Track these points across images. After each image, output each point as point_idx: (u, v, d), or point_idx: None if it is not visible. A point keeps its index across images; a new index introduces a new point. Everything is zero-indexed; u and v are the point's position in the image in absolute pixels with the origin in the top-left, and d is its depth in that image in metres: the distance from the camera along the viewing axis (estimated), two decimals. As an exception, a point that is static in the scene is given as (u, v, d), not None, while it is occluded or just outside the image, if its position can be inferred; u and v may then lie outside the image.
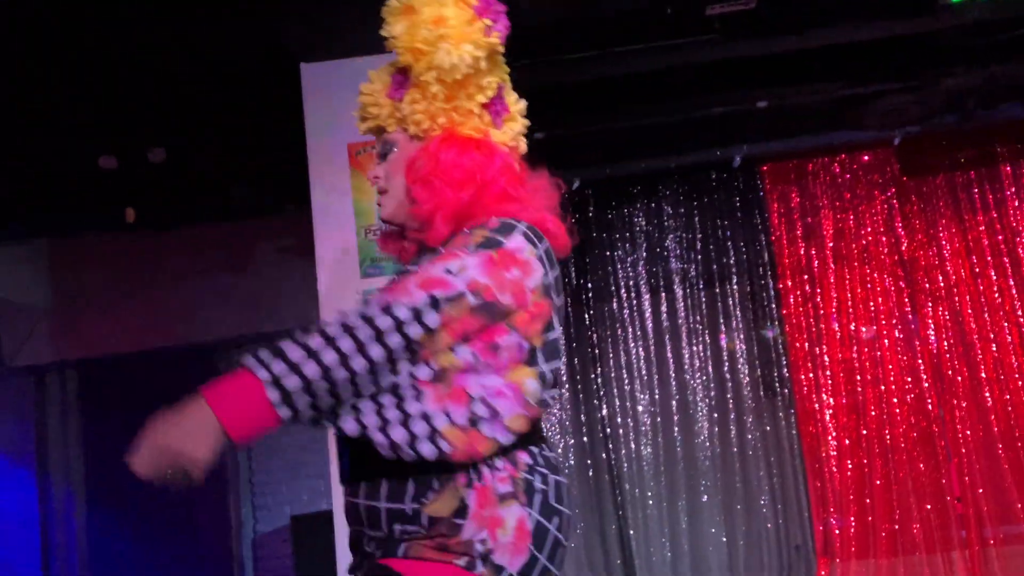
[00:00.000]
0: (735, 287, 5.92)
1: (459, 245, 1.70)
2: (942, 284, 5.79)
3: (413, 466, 1.60)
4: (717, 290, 5.94)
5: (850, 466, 5.65)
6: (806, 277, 5.86)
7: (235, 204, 5.42)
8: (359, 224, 3.53)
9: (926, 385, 5.70)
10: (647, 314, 5.92)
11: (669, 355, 5.89)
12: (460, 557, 1.61)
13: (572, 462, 5.72)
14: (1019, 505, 5.50)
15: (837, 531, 5.62)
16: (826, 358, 5.77)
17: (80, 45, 3.97)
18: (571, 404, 5.79)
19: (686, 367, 5.87)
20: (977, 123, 5.51)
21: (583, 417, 5.77)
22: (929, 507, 5.57)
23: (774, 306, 5.88)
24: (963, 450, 5.60)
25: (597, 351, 5.91)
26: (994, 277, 5.75)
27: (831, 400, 5.73)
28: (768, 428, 5.80)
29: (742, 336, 5.88)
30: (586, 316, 5.95)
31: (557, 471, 1.74)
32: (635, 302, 5.93)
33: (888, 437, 5.65)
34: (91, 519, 6.69)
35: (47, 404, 6.89)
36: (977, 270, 5.78)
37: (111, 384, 6.73)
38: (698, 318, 5.92)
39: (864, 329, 5.79)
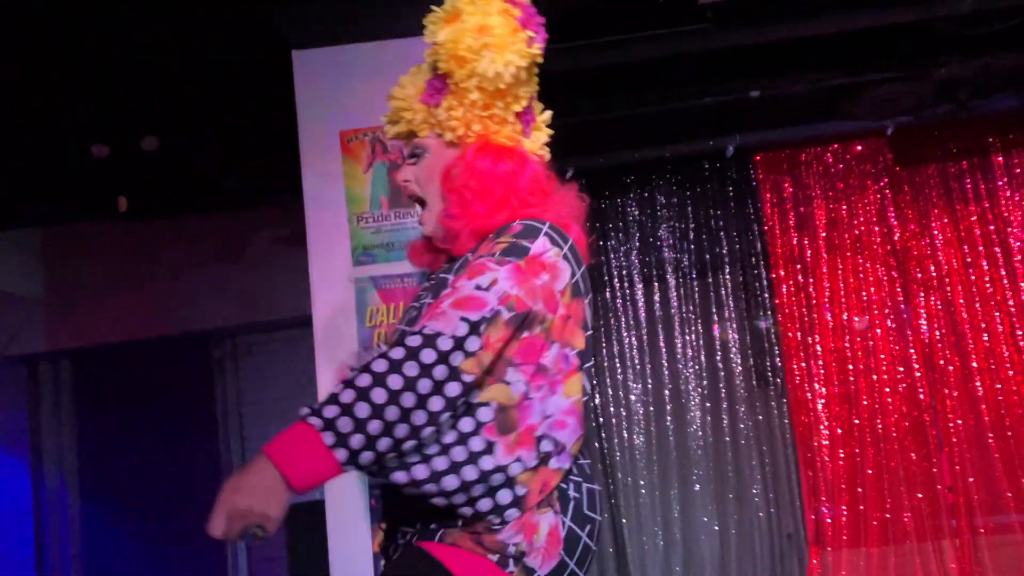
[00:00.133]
0: (728, 277, 5.93)
1: (485, 252, 1.71)
2: (934, 274, 5.81)
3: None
4: (710, 280, 5.95)
5: (842, 455, 5.67)
6: (799, 267, 5.87)
7: (228, 193, 5.42)
8: (351, 212, 3.53)
9: (918, 375, 5.71)
10: (640, 303, 5.93)
11: (662, 344, 5.90)
12: (493, 554, 1.63)
13: (565, 451, 5.73)
14: (1009, 494, 5.52)
15: (829, 520, 5.63)
16: (818, 348, 5.78)
17: (72, 34, 3.96)
18: (564, 393, 5.79)
19: (679, 356, 5.88)
20: (970, 113, 5.51)
21: (576, 406, 5.76)
22: (920, 496, 5.59)
23: (767, 296, 5.89)
24: (954, 440, 5.62)
25: (590, 340, 5.91)
26: (986, 267, 5.77)
27: (823, 389, 5.75)
28: (760, 417, 5.81)
29: (735, 326, 5.89)
30: (579, 305, 5.95)
31: (591, 479, 1.77)
32: (628, 291, 5.94)
33: (880, 426, 5.67)
34: (85, 508, 6.70)
35: (41, 394, 6.90)
36: (969, 260, 5.79)
37: (105, 374, 6.74)
38: (691, 307, 5.93)
39: (857, 319, 5.81)
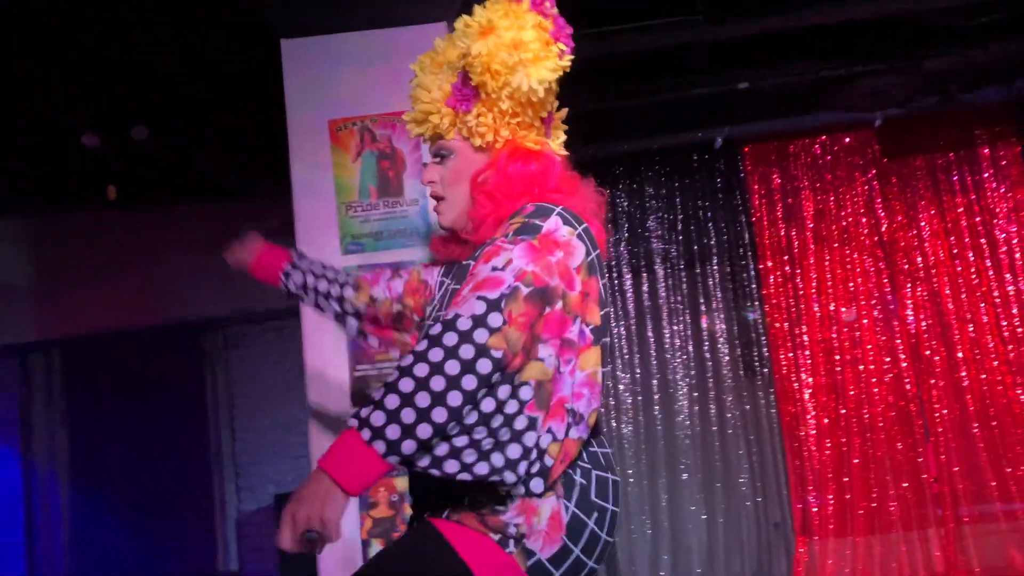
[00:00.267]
0: (716, 268, 5.96)
1: (500, 235, 1.76)
2: (921, 265, 5.85)
3: None
4: (698, 270, 5.98)
5: (828, 445, 5.71)
6: (786, 258, 5.91)
7: (218, 182, 5.42)
8: (340, 201, 3.53)
9: (904, 365, 5.75)
10: (628, 294, 5.96)
11: (650, 334, 5.93)
12: (495, 533, 1.67)
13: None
14: (993, 484, 5.57)
15: (815, 509, 5.68)
16: (805, 338, 5.82)
17: (61, 23, 3.95)
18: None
19: (667, 346, 5.91)
20: (957, 106, 5.55)
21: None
22: (906, 486, 5.63)
23: (754, 286, 5.93)
24: (940, 429, 5.67)
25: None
26: (972, 258, 5.81)
27: (810, 380, 5.79)
28: (748, 407, 5.85)
29: (722, 316, 5.93)
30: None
31: (604, 468, 1.78)
32: (616, 282, 5.97)
33: (866, 416, 5.71)
34: (75, 497, 6.71)
35: (31, 383, 6.90)
36: (955, 251, 5.83)
37: (96, 363, 6.73)
38: (679, 298, 5.96)
39: (845, 310, 5.84)
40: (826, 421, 5.74)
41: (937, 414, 5.68)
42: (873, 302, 5.83)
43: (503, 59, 1.80)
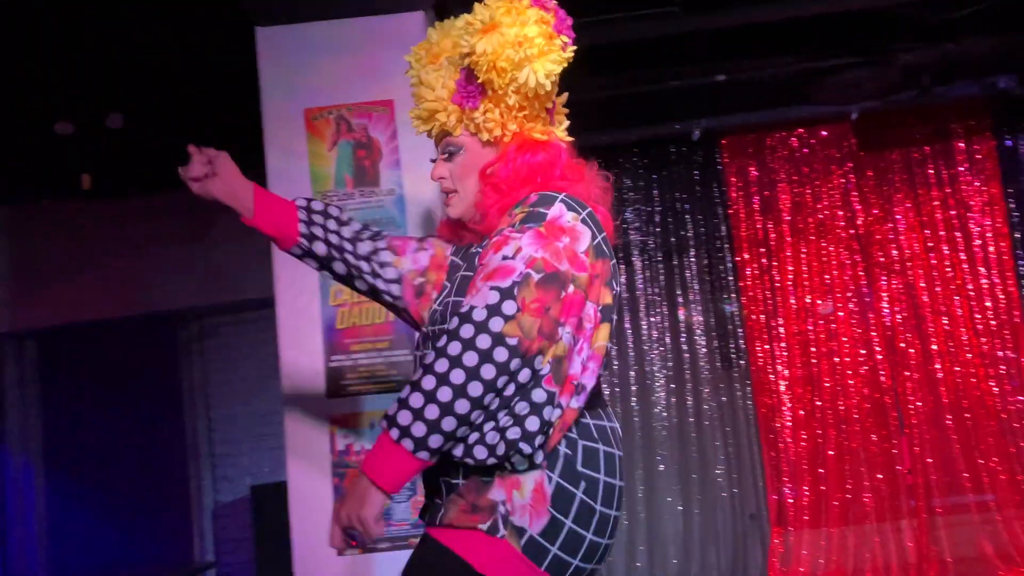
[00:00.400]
0: (693, 260, 5.98)
1: (507, 226, 1.79)
2: (896, 258, 5.88)
3: None
4: (675, 262, 6.00)
5: (804, 437, 5.75)
6: (763, 250, 5.93)
7: (194, 171, 5.35)
8: (315, 190, 3.51)
9: (879, 357, 5.79)
10: (606, 285, 5.96)
11: (627, 326, 5.94)
12: (486, 520, 1.69)
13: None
14: (966, 475, 5.62)
15: (791, 500, 5.71)
16: (782, 330, 5.85)
17: (35, 10, 3.91)
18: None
19: (644, 338, 5.93)
20: (933, 100, 5.58)
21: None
22: (880, 477, 5.67)
23: (731, 279, 5.95)
24: (914, 421, 5.71)
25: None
26: (946, 252, 5.85)
27: (786, 371, 5.82)
28: (724, 399, 5.88)
29: (699, 308, 5.95)
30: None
31: (594, 439, 1.79)
32: (594, 273, 5.96)
33: (841, 408, 5.75)
34: (49, 487, 6.66)
35: (5, 373, 6.83)
36: (930, 245, 5.87)
37: (70, 353, 6.69)
38: (656, 290, 5.97)
39: (821, 303, 5.87)
40: (802, 413, 5.77)
41: (911, 406, 5.72)
42: (849, 295, 5.87)
43: (508, 56, 1.81)
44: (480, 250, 1.86)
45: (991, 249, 5.83)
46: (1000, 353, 5.72)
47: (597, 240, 1.79)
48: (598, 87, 5.07)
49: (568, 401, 1.73)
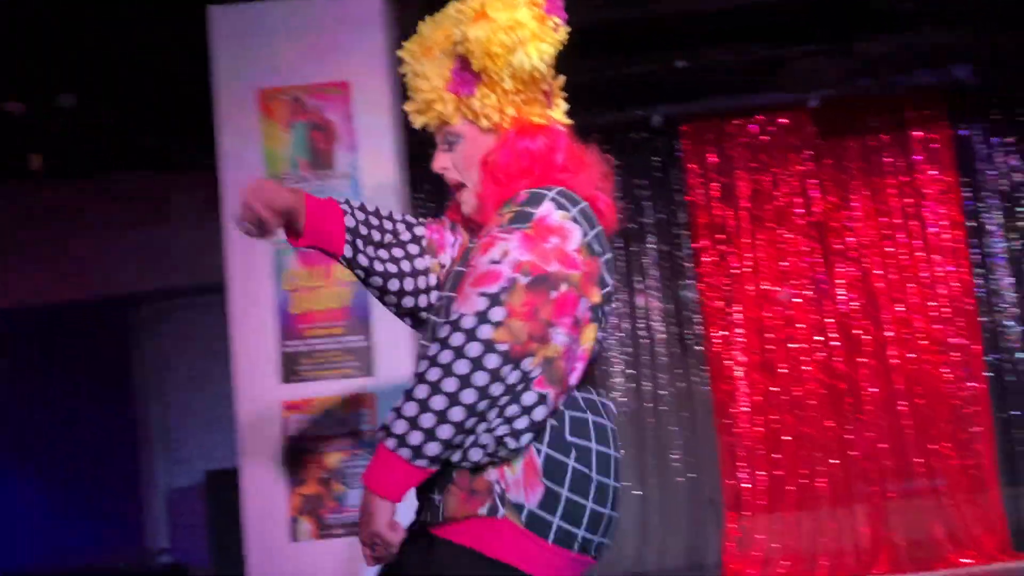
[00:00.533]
0: (651, 246, 5.99)
1: (495, 226, 1.77)
2: (853, 245, 5.93)
3: None
4: (634, 248, 6.00)
5: (760, 422, 5.79)
6: (721, 237, 5.96)
7: (147, 152, 5.29)
8: (269, 172, 3.47)
9: (835, 344, 5.84)
10: (565, 271, 5.95)
11: (586, 312, 5.93)
12: (484, 503, 1.69)
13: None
14: (918, 460, 5.70)
15: (747, 485, 5.75)
16: (739, 316, 5.88)
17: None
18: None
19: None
20: (891, 89, 5.63)
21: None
22: (835, 462, 5.73)
23: (690, 265, 5.97)
24: (868, 407, 5.77)
25: (515, 307, 5.93)
26: (902, 239, 5.90)
27: (743, 358, 5.85)
28: (681, 385, 5.91)
29: (658, 294, 5.96)
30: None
31: (582, 409, 1.79)
32: (553, 259, 5.96)
33: (797, 394, 5.80)
34: (-2, 473, 6.57)
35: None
36: (886, 232, 5.92)
37: (20, 337, 6.58)
38: (615, 276, 5.97)
39: (779, 290, 5.91)
40: (758, 398, 5.81)
41: (865, 392, 5.78)
42: (806, 282, 5.91)
43: (501, 40, 1.80)
44: (474, 246, 1.84)
45: (945, 237, 5.89)
46: (953, 340, 5.78)
47: (588, 238, 1.77)
48: (558, 73, 5.04)
49: (561, 401, 1.74)
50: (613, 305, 1.99)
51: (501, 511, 1.69)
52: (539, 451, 1.72)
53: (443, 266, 2.07)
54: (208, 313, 6.45)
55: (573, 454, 1.73)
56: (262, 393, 3.46)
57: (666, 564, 5.76)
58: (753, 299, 5.90)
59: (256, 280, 3.46)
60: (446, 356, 1.61)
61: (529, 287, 1.66)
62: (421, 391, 1.62)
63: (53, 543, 6.34)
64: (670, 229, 6.00)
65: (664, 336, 5.93)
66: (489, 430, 1.67)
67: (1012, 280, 5.88)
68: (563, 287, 1.69)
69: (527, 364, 1.65)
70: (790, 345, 5.84)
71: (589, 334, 1.78)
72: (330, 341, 3.46)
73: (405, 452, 1.62)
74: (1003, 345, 5.83)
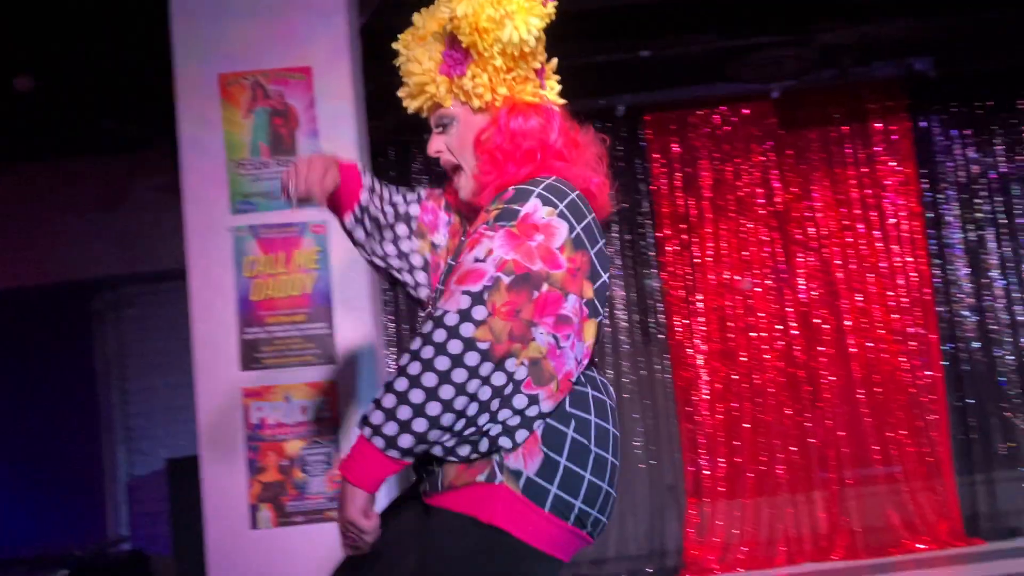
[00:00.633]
0: (615, 235, 6.01)
1: (481, 223, 1.78)
2: (813, 235, 5.99)
3: None
4: (598, 237, 6.01)
5: (720, 410, 5.84)
6: (684, 226, 5.99)
7: (107, 136, 5.22)
8: (229, 158, 3.44)
9: (794, 333, 5.90)
10: (528, 259, 5.96)
11: (549, 300, 5.95)
12: (484, 469, 1.72)
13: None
14: (875, 447, 5.78)
15: (707, 472, 5.81)
16: (701, 305, 5.93)
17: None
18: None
19: (565, 312, 5.94)
20: (852, 80, 5.67)
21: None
22: (794, 450, 5.80)
23: (652, 254, 6.01)
24: (827, 395, 5.84)
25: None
26: (861, 230, 5.97)
27: (704, 346, 5.90)
28: (643, 372, 5.95)
29: (621, 283, 5.99)
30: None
31: (583, 384, 1.80)
32: (516, 247, 5.97)
33: (757, 382, 5.86)
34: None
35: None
36: (846, 223, 5.99)
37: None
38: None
39: (740, 279, 5.95)
40: (718, 386, 5.87)
41: (824, 380, 5.85)
42: (766, 271, 5.96)
43: (489, 15, 1.80)
44: (464, 241, 1.85)
45: (904, 228, 5.96)
46: (911, 330, 5.87)
47: (576, 232, 1.77)
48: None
49: (561, 399, 1.75)
50: (609, 293, 2.01)
51: (499, 477, 1.71)
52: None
53: (436, 246, 2.09)
54: (171, 299, 6.40)
55: (572, 424, 1.75)
56: (222, 381, 3.44)
57: (627, 550, 5.81)
58: (714, 288, 5.95)
59: (216, 266, 3.43)
60: (427, 352, 1.65)
61: (511, 287, 1.68)
62: (401, 383, 1.65)
63: (9, 531, 6.27)
64: (634, 218, 6.03)
65: (627, 324, 5.97)
66: (482, 432, 1.69)
67: (969, 271, 5.97)
68: (545, 287, 1.71)
69: (511, 365, 1.67)
70: (751, 334, 5.89)
71: (590, 330, 1.80)
72: (291, 328, 3.44)
73: (379, 441, 1.66)
74: (959, 335, 5.91)
